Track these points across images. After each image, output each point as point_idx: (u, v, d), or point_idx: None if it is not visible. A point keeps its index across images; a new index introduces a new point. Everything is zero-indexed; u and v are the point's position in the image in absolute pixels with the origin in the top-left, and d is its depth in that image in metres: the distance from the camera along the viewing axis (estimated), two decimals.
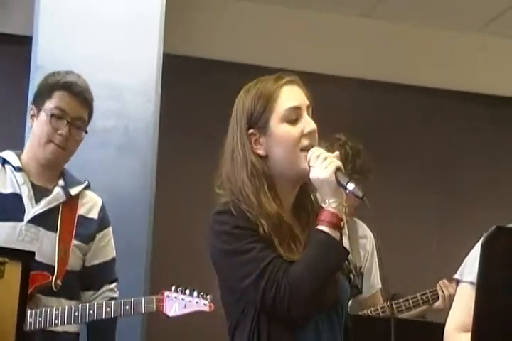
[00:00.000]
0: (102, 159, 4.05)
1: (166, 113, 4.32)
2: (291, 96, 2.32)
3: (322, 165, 2.22)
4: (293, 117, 2.29)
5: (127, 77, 4.15)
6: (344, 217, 2.24)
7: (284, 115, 2.29)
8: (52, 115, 3.15)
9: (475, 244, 2.33)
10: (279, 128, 2.29)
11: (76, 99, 3.18)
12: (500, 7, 5.48)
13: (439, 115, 5.87)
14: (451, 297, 3.59)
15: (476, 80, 5.84)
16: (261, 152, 2.30)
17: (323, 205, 2.24)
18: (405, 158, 5.77)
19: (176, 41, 5.01)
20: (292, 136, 2.27)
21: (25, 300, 2.00)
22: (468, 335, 1.97)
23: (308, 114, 2.31)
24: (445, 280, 3.68)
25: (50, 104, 3.16)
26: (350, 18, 5.70)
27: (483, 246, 1.86)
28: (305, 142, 2.28)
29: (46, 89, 3.20)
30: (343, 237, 3.51)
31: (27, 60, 4.06)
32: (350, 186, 2.19)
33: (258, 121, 2.30)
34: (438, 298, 3.67)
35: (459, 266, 2.48)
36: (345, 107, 5.50)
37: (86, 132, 3.23)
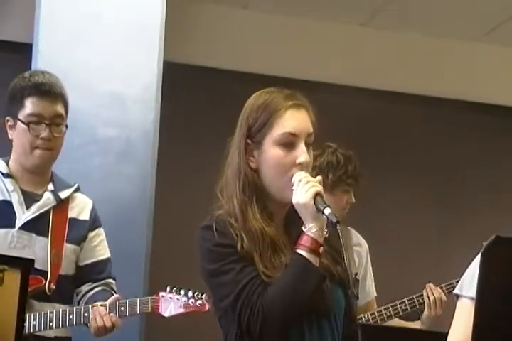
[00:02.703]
0: (103, 166, 4.07)
1: (167, 121, 4.32)
2: (292, 121, 2.28)
3: (303, 189, 2.21)
4: (287, 142, 2.27)
5: (128, 86, 4.16)
6: (322, 241, 2.22)
7: (278, 138, 2.27)
8: (29, 123, 3.12)
9: (474, 255, 2.33)
10: (271, 150, 2.28)
11: (47, 98, 3.14)
12: (501, 16, 5.50)
13: (439, 123, 5.88)
14: (439, 301, 3.61)
15: (477, 89, 5.85)
16: (253, 165, 2.30)
17: (303, 229, 2.23)
18: (406, 163, 5.78)
19: (177, 49, 5.03)
20: (284, 163, 2.26)
21: (24, 308, 1.99)
22: None
23: (308, 142, 2.29)
24: (431, 284, 3.69)
25: (24, 113, 3.13)
26: (350, 28, 5.72)
27: (482, 255, 1.86)
28: (295, 171, 2.26)
29: (16, 98, 3.16)
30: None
31: (27, 67, 4.06)
32: (327, 211, 2.17)
33: (256, 134, 2.29)
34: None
35: (460, 270, 2.48)
36: (343, 115, 5.50)
37: (66, 126, 3.19)
